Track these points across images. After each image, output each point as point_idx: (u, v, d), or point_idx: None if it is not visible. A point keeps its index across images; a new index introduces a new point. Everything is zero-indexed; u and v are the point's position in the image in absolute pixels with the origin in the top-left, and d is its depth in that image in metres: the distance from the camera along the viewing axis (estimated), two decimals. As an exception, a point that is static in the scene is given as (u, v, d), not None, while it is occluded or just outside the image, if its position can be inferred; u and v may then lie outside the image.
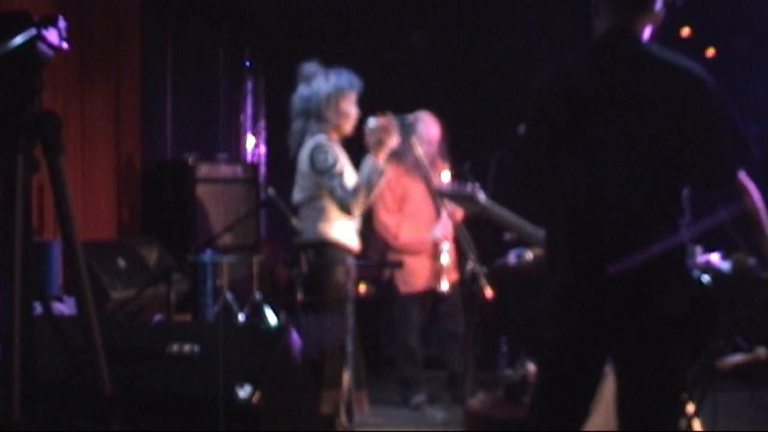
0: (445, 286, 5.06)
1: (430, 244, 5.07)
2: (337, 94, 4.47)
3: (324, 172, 4.36)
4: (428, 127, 5.08)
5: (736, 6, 6.07)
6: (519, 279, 5.77)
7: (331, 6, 6.58)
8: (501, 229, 3.25)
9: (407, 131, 4.87)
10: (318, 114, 4.47)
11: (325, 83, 4.48)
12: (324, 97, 4.45)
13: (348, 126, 4.54)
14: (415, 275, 5.07)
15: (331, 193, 4.37)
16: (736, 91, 5.38)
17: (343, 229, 4.47)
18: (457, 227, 4.53)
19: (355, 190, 4.34)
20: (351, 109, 4.53)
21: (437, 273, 5.06)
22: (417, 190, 5.11)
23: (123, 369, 2.67)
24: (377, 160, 4.35)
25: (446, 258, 5.06)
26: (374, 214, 5.07)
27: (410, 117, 4.69)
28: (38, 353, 1.80)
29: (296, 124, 4.57)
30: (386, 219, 5.08)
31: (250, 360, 3.11)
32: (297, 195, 4.52)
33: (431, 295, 5.13)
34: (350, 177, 4.43)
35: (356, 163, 4.54)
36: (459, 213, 4.75)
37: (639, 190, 2.32)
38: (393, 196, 5.08)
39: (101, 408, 1.88)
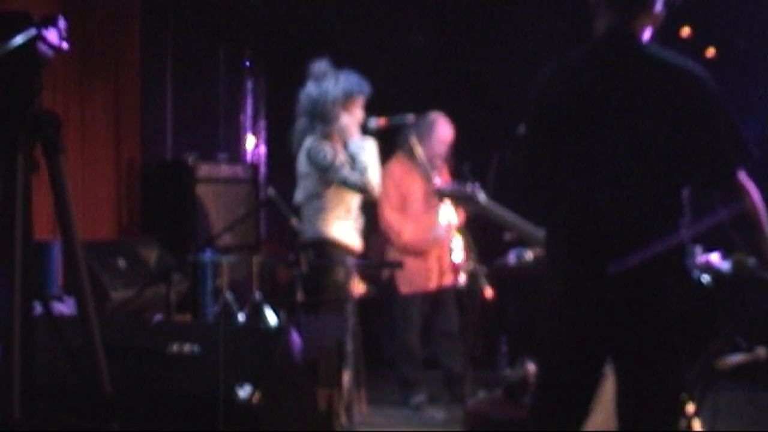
0: (462, 279, 5.02)
1: (431, 244, 5.06)
2: (346, 98, 4.47)
3: (328, 168, 4.37)
4: (443, 127, 5.09)
5: (736, 6, 6.06)
6: (519, 279, 5.78)
7: (332, 6, 6.58)
8: (501, 229, 3.25)
9: (407, 132, 4.88)
10: (323, 116, 4.46)
11: (334, 85, 4.46)
12: (331, 101, 4.44)
13: (353, 129, 4.54)
14: (415, 276, 5.06)
15: (345, 184, 4.38)
16: (736, 91, 5.36)
17: (343, 229, 4.47)
18: (457, 228, 4.53)
19: (363, 169, 4.38)
20: (357, 113, 4.53)
21: (451, 269, 5.00)
22: (420, 190, 5.11)
23: (123, 369, 2.67)
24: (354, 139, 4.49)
25: (459, 255, 5.03)
26: (379, 211, 5.07)
27: (410, 117, 4.69)
28: (38, 353, 1.80)
29: (300, 122, 4.56)
30: (390, 216, 5.08)
31: (250, 360, 3.11)
32: (299, 195, 4.53)
33: (431, 295, 5.13)
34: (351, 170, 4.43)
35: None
36: (459, 215, 4.75)
37: (639, 190, 2.32)
38: (397, 194, 5.09)
39: (101, 408, 1.88)
